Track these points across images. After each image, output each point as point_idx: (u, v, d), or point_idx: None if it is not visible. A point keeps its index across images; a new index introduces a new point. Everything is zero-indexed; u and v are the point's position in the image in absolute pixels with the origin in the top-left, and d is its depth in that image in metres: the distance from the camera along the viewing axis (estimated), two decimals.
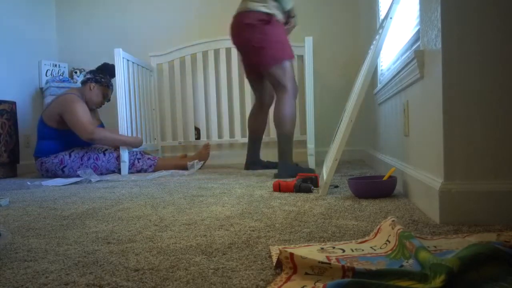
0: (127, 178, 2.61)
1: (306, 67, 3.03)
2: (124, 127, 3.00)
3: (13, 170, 3.23)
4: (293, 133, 2.68)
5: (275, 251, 0.91)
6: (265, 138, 3.67)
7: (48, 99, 3.55)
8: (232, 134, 3.79)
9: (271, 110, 3.66)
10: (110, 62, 3.16)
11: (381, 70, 2.63)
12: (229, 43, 3.71)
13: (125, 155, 2.97)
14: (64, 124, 2.96)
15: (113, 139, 2.98)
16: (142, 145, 3.14)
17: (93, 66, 3.91)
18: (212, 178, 2.50)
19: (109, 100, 3.29)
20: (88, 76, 3.16)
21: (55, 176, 2.92)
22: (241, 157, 3.82)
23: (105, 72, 3.19)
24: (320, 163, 3.16)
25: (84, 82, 3.15)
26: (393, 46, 2.23)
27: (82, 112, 2.95)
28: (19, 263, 0.92)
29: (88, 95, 3.11)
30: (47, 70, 3.74)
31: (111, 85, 3.22)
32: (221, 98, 3.76)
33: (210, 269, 0.82)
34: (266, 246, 0.98)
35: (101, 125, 3.29)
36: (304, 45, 3.07)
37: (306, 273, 0.74)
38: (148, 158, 3.08)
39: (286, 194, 1.75)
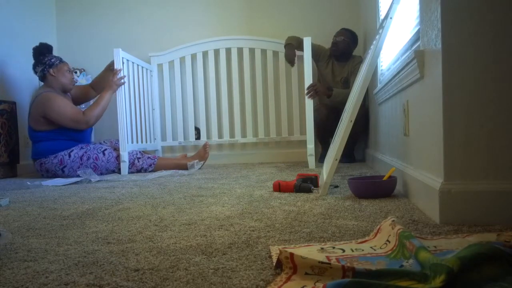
0: (127, 178, 2.61)
1: (305, 67, 3.03)
2: (124, 127, 3.00)
3: (13, 170, 3.23)
4: None
5: (275, 251, 0.91)
6: (264, 138, 3.68)
7: None
8: (232, 134, 3.79)
9: (271, 110, 3.67)
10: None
11: (381, 70, 2.63)
12: (229, 43, 3.73)
13: (125, 155, 2.98)
14: (51, 124, 2.94)
15: (102, 110, 3.02)
16: (117, 88, 3.03)
17: (93, 66, 3.94)
18: (212, 178, 2.50)
19: (74, 71, 3.21)
20: (39, 69, 3.03)
21: (55, 176, 2.91)
22: (241, 157, 3.83)
23: (44, 54, 3.06)
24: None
25: (43, 77, 3.04)
26: (393, 46, 2.23)
27: (64, 106, 2.92)
28: (19, 263, 0.92)
29: (58, 82, 3.02)
30: None
31: (60, 58, 3.09)
32: (221, 98, 3.76)
33: (210, 269, 0.82)
34: (266, 246, 0.98)
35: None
36: (303, 45, 3.06)
37: (306, 273, 0.74)
38: (148, 157, 3.08)
39: (286, 194, 1.75)
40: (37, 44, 3.10)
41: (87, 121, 2.96)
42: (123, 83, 3.03)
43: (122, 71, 3.04)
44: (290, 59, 3.27)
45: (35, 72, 3.07)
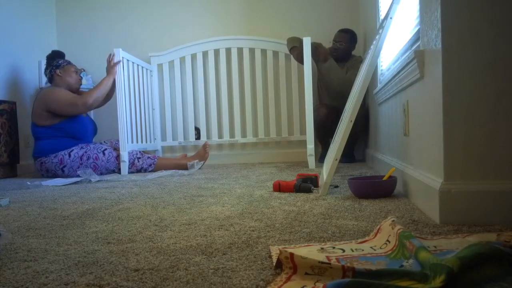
0: (127, 178, 2.61)
1: (305, 67, 3.03)
2: (124, 127, 3.00)
3: (13, 170, 3.23)
4: None
5: (275, 251, 0.91)
6: (264, 138, 3.68)
7: None
8: (232, 134, 3.79)
9: (271, 110, 3.67)
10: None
11: (381, 70, 2.63)
12: (229, 43, 3.73)
13: (125, 155, 2.98)
14: (54, 118, 2.98)
15: (99, 92, 3.03)
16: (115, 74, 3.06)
17: (93, 66, 3.94)
18: (212, 178, 2.50)
19: (80, 74, 3.31)
20: (48, 70, 3.13)
21: (55, 176, 2.91)
22: (241, 157, 3.83)
23: (56, 58, 3.17)
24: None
25: (51, 78, 3.12)
26: (393, 46, 2.23)
27: (63, 95, 2.99)
28: (19, 263, 0.92)
29: (64, 81, 3.10)
30: None
31: (68, 61, 3.19)
32: (221, 98, 3.76)
33: (210, 269, 0.82)
34: (266, 246, 0.98)
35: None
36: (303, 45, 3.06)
37: (306, 273, 0.74)
38: (148, 157, 3.08)
39: (286, 194, 1.75)
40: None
41: (84, 102, 2.98)
42: (118, 62, 3.05)
43: (115, 58, 3.06)
44: (301, 60, 3.37)
45: (45, 75, 3.20)
